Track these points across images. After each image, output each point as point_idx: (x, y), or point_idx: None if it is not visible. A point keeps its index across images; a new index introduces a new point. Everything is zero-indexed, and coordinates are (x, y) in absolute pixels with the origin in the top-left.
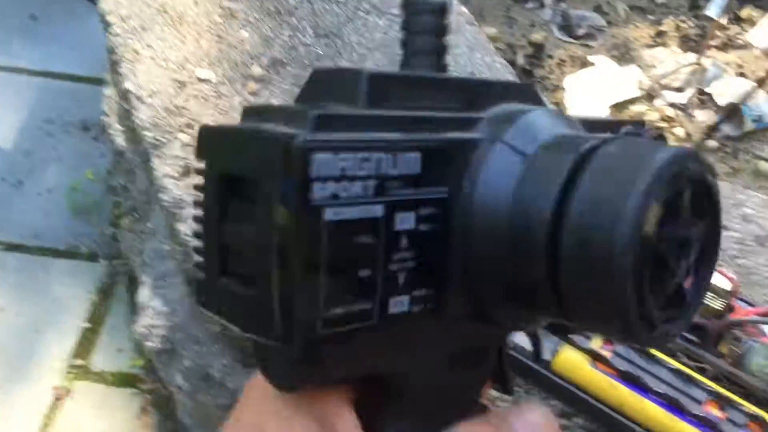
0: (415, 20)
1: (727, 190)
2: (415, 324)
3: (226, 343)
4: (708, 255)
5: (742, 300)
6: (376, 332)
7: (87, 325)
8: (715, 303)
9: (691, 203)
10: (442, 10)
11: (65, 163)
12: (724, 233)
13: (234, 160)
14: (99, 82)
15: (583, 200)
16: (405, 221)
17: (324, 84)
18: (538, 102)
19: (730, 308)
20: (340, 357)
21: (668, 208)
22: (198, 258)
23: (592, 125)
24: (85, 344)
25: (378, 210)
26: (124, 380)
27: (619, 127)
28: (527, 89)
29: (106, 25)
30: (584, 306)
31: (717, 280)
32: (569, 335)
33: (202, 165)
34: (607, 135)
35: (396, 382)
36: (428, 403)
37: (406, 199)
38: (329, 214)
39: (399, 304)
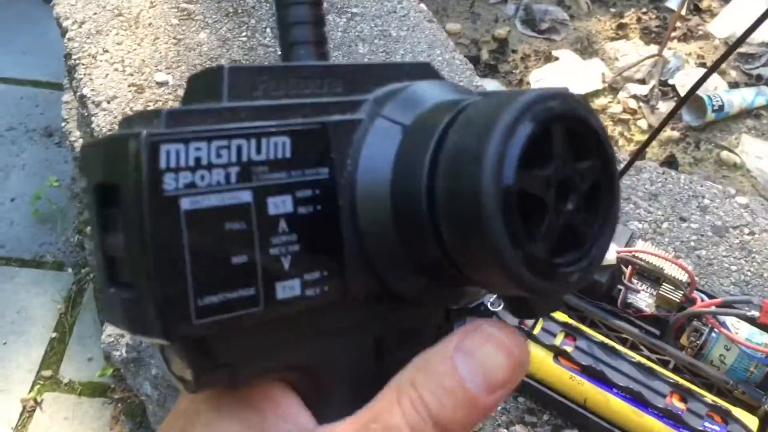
0: (288, 12)
1: (684, 181)
2: (320, 309)
3: None
4: (605, 194)
5: (701, 291)
6: (271, 319)
7: (54, 334)
8: (674, 295)
9: (566, 143)
10: (315, 0)
11: (29, 170)
12: (682, 225)
13: (102, 169)
14: (60, 87)
15: (448, 155)
16: (280, 205)
17: (196, 86)
18: (438, 77)
19: (689, 300)
20: (239, 348)
21: (536, 148)
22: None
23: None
24: (53, 354)
25: (245, 195)
26: (94, 390)
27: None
28: (425, 67)
29: (62, 30)
30: (474, 265)
31: (675, 272)
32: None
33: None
34: (485, 92)
35: (324, 372)
36: (363, 390)
37: (278, 183)
38: (186, 204)
39: (288, 288)
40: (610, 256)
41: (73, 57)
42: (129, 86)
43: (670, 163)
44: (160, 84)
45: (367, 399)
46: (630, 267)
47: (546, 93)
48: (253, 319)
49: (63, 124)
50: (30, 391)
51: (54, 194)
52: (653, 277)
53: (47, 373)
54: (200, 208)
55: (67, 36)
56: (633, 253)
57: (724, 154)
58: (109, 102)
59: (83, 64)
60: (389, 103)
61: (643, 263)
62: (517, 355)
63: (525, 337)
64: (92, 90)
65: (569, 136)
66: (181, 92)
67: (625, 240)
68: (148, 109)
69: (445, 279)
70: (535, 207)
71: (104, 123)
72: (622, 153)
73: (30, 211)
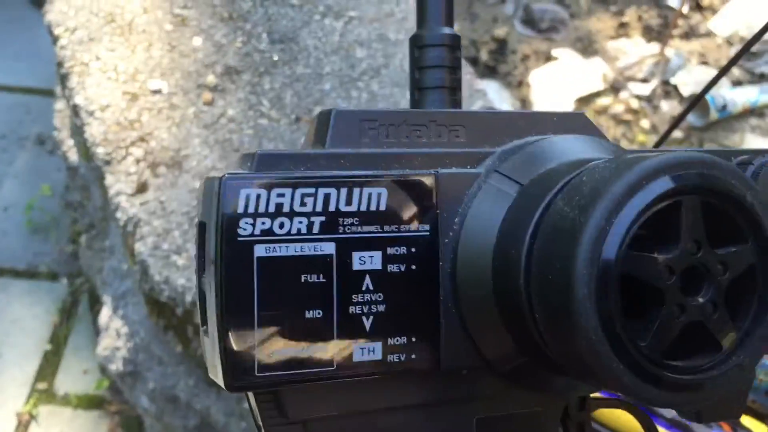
0: (423, 55)
1: None
2: (409, 377)
3: (190, 364)
4: (760, 286)
5: None
6: (348, 382)
7: (49, 346)
8: None
9: (701, 221)
10: (452, 44)
11: (21, 179)
12: None
13: (200, 208)
14: (52, 93)
15: (548, 225)
16: (367, 260)
17: (315, 126)
18: (588, 130)
19: None
20: (314, 408)
21: (658, 227)
22: None
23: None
24: (48, 367)
25: (327, 247)
26: (89, 402)
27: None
28: (577, 118)
29: (54, 37)
30: (566, 356)
31: None
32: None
33: None
34: (628, 151)
35: None
36: None
37: (367, 236)
38: (260, 250)
39: (368, 351)
40: None
41: (65, 65)
42: (123, 94)
43: None
44: (155, 92)
45: None
46: None
47: (679, 158)
48: (324, 380)
49: (55, 132)
50: (25, 404)
51: (47, 203)
52: None
53: (42, 385)
54: (276, 255)
55: (59, 44)
56: None
57: None
58: (102, 110)
59: (75, 72)
60: (513, 157)
61: None
62: None
63: None
64: (85, 98)
65: (709, 213)
66: (176, 100)
67: None
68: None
69: (545, 361)
70: (653, 299)
71: (97, 132)
72: None
73: (23, 220)
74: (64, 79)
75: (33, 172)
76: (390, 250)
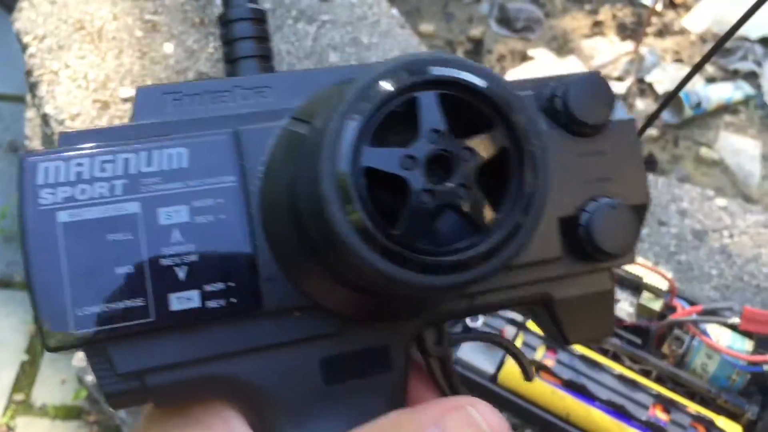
0: (231, 29)
1: (663, 185)
2: (237, 322)
3: None
4: (515, 169)
5: (682, 298)
6: (171, 330)
7: (26, 357)
8: (654, 304)
9: (442, 114)
10: (257, 17)
11: None
12: (661, 229)
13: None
14: (23, 100)
15: (296, 148)
16: (173, 215)
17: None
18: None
19: (670, 308)
20: (142, 359)
21: (397, 123)
22: None
23: None
24: (25, 378)
25: (132, 207)
26: (68, 413)
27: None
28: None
29: (23, 45)
30: (336, 261)
31: (655, 280)
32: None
33: None
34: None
35: (264, 392)
36: (311, 416)
37: (171, 193)
38: (63, 216)
39: (185, 299)
40: None
41: (35, 74)
42: (93, 102)
43: (649, 162)
44: (126, 100)
45: (317, 427)
46: None
47: (410, 58)
48: (146, 332)
49: (26, 141)
50: (3, 416)
51: None
52: (633, 285)
53: (19, 397)
54: (80, 219)
55: (27, 52)
56: None
57: (703, 150)
58: (72, 120)
59: (45, 81)
60: (307, 101)
61: (622, 272)
62: None
63: (504, 419)
64: (55, 108)
65: (451, 106)
66: None
67: None
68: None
69: (361, 289)
70: (402, 189)
71: None
72: None
73: None
74: (33, 87)
75: (6, 180)
76: (196, 203)
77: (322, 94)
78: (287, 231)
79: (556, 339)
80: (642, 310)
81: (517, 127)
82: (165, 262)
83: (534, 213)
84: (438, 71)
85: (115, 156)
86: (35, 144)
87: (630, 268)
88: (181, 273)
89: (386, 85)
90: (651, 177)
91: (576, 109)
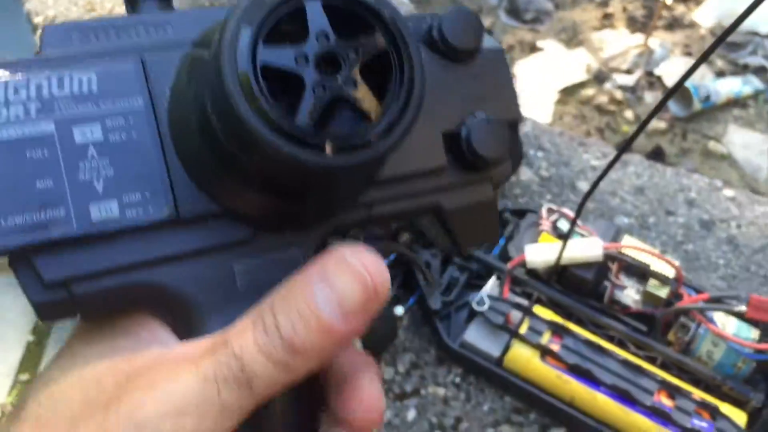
0: None
1: (671, 175)
2: (154, 230)
3: None
4: (396, 67)
5: (688, 286)
6: (93, 239)
7: (32, 337)
8: (661, 291)
9: (325, 18)
10: None
11: None
12: (669, 219)
13: None
14: None
15: (203, 54)
16: (87, 133)
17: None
18: None
19: (677, 296)
20: (67, 267)
21: (289, 28)
22: None
23: None
24: (31, 358)
25: (47, 126)
26: None
27: None
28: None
29: (32, 26)
30: (246, 157)
31: (661, 267)
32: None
33: None
34: None
35: (184, 298)
36: (229, 317)
37: (84, 114)
38: None
39: (105, 210)
40: (596, 252)
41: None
42: None
43: (657, 154)
44: None
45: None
46: (616, 263)
47: None
48: (68, 240)
49: None
50: (8, 396)
51: None
52: (640, 272)
53: (25, 377)
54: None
55: (37, 33)
56: (619, 249)
57: (711, 144)
58: None
59: None
60: (204, 31)
61: (629, 259)
62: (373, 284)
63: (382, 261)
64: None
65: (338, 15)
66: None
67: (611, 235)
68: None
69: (268, 190)
70: (299, 84)
71: None
72: (609, 145)
73: None
74: None
75: None
76: (108, 123)
77: (218, 23)
78: (196, 144)
79: (450, 250)
80: (648, 297)
81: (393, 31)
82: (83, 176)
83: (415, 100)
84: None
85: (28, 81)
86: None
87: (637, 254)
88: (99, 185)
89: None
90: (659, 166)
91: (450, 37)
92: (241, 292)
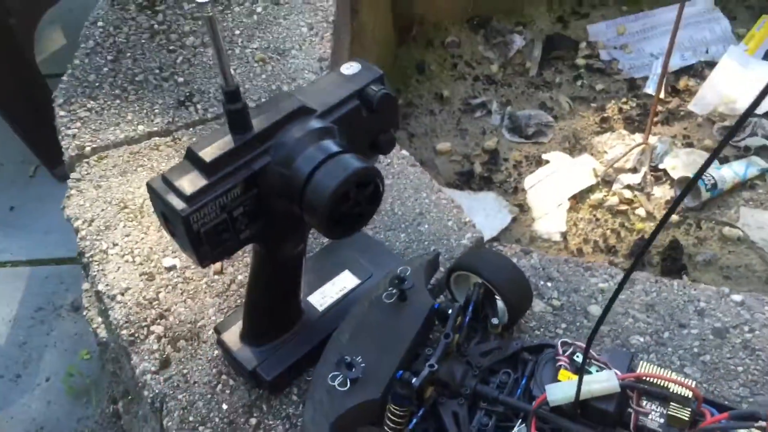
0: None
1: (678, 287)
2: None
3: None
4: (373, 200)
5: (709, 403)
6: (236, 242)
7: None
8: (683, 413)
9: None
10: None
11: (60, 347)
12: (683, 332)
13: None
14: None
15: (317, 177)
16: (237, 210)
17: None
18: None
19: (699, 415)
20: (219, 252)
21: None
22: None
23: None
24: None
25: (225, 216)
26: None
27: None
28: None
29: (74, 229)
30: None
31: (679, 389)
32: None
33: None
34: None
35: None
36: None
37: (236, 204)
38: (196, 226)
39: (245, 232)
40: (612, 384)
41: (86, 255)
42: (140, 275)
43: (674, 248)
44: (169, 269)
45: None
46: (636, 391)
47: (357, 169)
48: (231, 242)
49: (84, 312)
50: None
51: (86, 367)
52: (661, 397)
53: None
54: (206, 225)
55: (79, 235)
56: (634, 378)
57: (726, 230)
58: (123, 294)
59: (96, 261)
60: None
61: (647, 386)
62: None
63: None
64: (106, 285)
65: (362, 182)
66: (188, 273)
67: (625, 364)
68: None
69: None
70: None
71: (120, 315)
72: (624, 244)
73: (64, 388)
74: (86, 268)
75: (71, 339)
76: (245, 204)
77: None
78: (279, 196)
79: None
80: (672, 421)
81: (376, 188)
82: (239, 225)
83: (374, 211)
84: (361, 174)
85: (219, 199)
86: (92, 314)
87: (654, 378)
88: (243, 226)
89: (350, 179)
90: (666, 280)
91: (375, 104)
92: None
